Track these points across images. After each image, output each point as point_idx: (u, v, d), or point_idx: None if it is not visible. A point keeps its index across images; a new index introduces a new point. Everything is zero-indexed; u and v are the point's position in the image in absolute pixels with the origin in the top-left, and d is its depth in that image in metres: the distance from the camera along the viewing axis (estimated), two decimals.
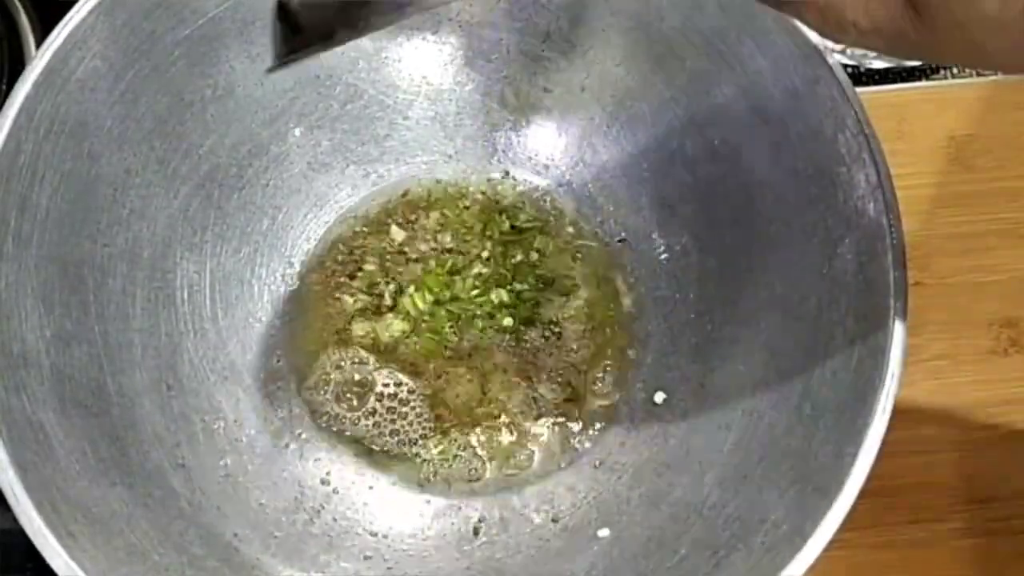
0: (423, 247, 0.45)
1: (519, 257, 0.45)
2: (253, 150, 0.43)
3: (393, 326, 0.43)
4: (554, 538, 0.39)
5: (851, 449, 0.30)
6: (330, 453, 0.41)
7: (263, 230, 0.44)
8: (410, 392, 0.42)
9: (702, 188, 0.42)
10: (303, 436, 0.41)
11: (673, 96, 0.42)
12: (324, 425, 0.42)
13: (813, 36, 0.35)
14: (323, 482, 0.40)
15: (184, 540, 0.34)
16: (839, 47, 0.52)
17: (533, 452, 0.41)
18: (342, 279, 0.44)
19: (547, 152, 0.46)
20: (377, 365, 0.43)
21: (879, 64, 0.51)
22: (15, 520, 0.29)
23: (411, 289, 0.44)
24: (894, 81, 0.53)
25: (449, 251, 0.45)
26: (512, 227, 0.45)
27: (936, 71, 0.54)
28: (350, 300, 0.44)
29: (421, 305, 0.43)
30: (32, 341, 0.33)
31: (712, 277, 0.42)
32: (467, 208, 0.46)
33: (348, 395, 0.42)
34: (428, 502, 0.40)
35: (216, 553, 0.35)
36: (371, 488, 0.41)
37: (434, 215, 0.45)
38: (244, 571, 0.36)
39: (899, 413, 0.31)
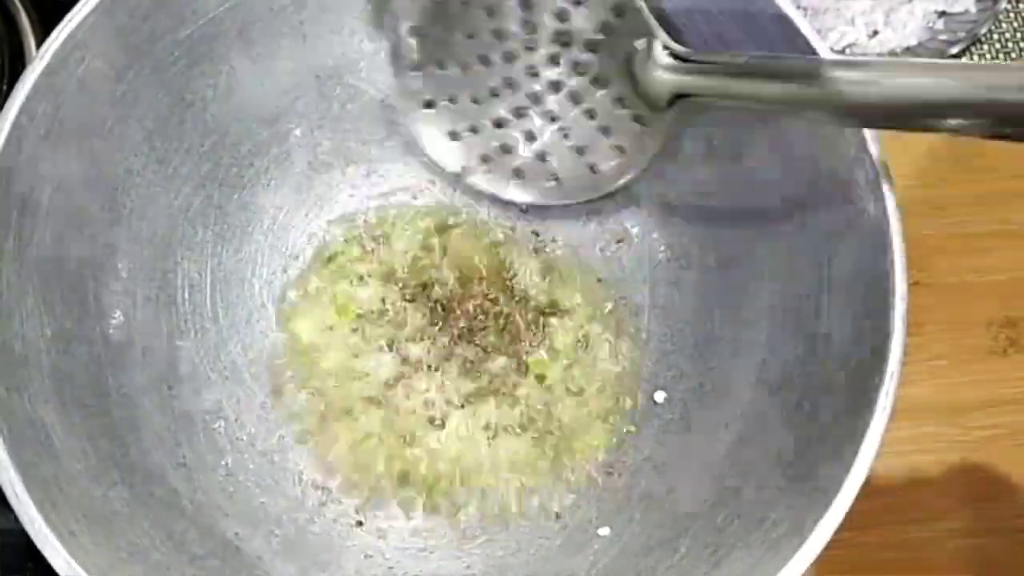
0: (424, 246, 0.45)
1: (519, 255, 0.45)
2: (253, 150, 0.43)
3: (394, 325, 0.43)
4: (554, 536, 0.39)
5: (850, 448, 0.30)
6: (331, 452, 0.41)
7: (264, 230, 0.44)
8: (412, 388, 0.42)
9: (702, 188, 0.42)
10: (304, 436, 0.41)
11: None
12: (325, 423, 0.42)
13: (812, 36, 0.35)
14: (324, 481, 0.41)
15: (185, 539, 0.34)
16: (839, 47, 0.53)
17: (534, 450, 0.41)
18: (343, 279, 0.44)
19: None
20: (377, 364, 0.43)
21: None
22: (16, 520, 0.29)
23: (412, 288, 0.44)
24: None
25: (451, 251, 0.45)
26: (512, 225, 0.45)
27: None
28: (351, 300, 0.44)
29: (421, 305, 0.43)
30: (33, 340, 0.33)
31: (712, 277, 0.42)
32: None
33: (349, 393, 0.42)
34: (429, 500, 0.40)
35: (217, 552, 0.35)
36: (372, 487, 0.41)
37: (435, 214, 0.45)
38: (245, 570, 0.36)
39: (899, 413, 0.31)
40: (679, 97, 0.35)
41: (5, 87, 0.45)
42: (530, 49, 0.38)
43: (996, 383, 0.44)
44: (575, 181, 0.42)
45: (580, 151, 0.40)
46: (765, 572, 0.30)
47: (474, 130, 0.41)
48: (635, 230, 0.45)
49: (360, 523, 0.40)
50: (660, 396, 0.41)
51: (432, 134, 0.42)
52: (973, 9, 0.53)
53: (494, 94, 0.40)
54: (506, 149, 0.42)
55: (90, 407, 0.35)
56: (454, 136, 0.42)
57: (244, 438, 0.40)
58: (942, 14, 0.53)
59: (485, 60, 0.39)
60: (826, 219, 0.36)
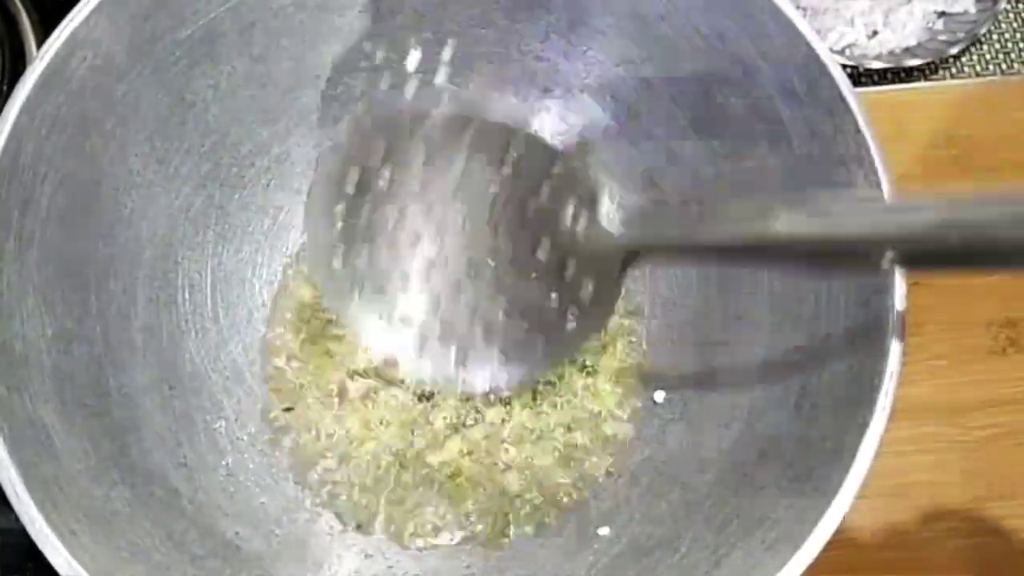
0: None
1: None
2: (254, 150, 0.43)
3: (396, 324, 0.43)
4: (554, 536, 0.39)
5: (850, 448, 0.30)
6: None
7: (264, 230, 0.44)
8: (411, 390, 0.42)
9: (702, 189, 0.42)
10: (303, 436, 0.41)
11: (672, 97, 0.42)
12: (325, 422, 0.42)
13: (813, 37, 0.35)
14: (324, 480, 0.41)
15: (185, 539, 0.34)
16: (839, 47, 0.53)
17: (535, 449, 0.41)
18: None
19: None
20: (378, 364, 0.43)
21: (879, 64, 0.51)
22: (16, 519, 0.29)
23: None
24: (894, 81, 0.53)
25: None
26: None
27: (936, 71, 0.54)
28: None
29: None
30: (34, 340, 0.34)
31: (712, 277, 0.42)
32: None
33: (348, 394, 0.42)
34: (429, 499, 0.40)
35: (217, 552, 0.35)
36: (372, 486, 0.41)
37: None
38: (245, 570, 0.36)
39: (898, 412, 0.31)
40: (631, 256, 0.32)
41: (6, 87, 0.45)
42: (461, 222, 0.35)
43: (996, 383, 0.45)
44: (525, 356, 0.37)
45: (528, 325, 0.36)
46: (765, 572, 0.30)
47: (408, 315, 0.37)
48: None
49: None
50: (660, 396, 0.41)
51: (365, 322, 0.37)
52: (973, 9, 0.53)
53: (427, 274, 0.36)
54: (447, 332, 0.37)
55: (91, 407, 0.35)
56: (388, 320, 0.37)
57: (245, 438, 0.40)
58: (941, 14, 0.53)
59: (415, 238, 0.35)
60: None
